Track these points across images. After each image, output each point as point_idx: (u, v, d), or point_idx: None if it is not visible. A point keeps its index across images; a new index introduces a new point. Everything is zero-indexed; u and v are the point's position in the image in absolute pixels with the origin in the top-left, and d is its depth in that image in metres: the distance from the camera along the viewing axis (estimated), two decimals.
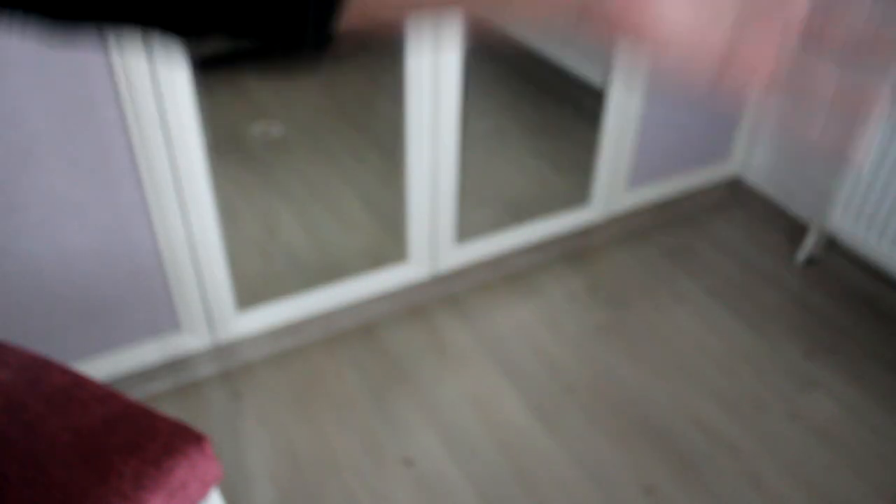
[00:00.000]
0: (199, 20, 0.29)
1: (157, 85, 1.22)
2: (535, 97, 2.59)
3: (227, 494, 1.37)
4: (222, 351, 1.61)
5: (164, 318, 1.49)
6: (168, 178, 1.32)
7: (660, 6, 0.26)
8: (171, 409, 1.54)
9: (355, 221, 1.96)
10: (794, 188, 2.09)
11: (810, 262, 1.97)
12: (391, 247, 1.81)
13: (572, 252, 2.00)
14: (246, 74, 2.60)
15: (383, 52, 2.81)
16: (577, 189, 1.96)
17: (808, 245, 1.95)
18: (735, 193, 2.22)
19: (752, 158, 2.18)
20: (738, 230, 2.10)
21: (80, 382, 0.95)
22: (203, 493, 0.91)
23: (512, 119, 2.46)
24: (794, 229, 2.08)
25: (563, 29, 0.27)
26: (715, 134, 2.07)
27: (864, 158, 0.30)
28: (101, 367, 1.47)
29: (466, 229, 1.78)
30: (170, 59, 1.20)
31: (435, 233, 1.71)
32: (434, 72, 1.48)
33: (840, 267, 1.96)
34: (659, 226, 2.10)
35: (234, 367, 1.64)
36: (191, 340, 1.54)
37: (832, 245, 1.99)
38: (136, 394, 1.56)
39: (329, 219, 1.97)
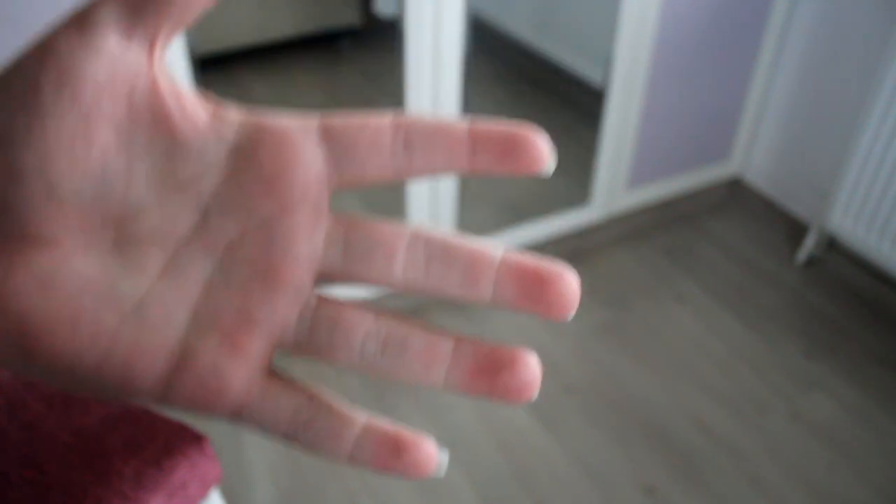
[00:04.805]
0: None
1: None
2: (535, 97, 2.59)
3: (227, 494, 1.37)
4: None
5: None
6: None
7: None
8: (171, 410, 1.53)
9: None
10: (794, 188, 2.09)
11: (810, 262, 1.97)
12: None
13: (572, 252, 2.00)
14: (246, 74, 2.60)
15: (383, 52, 2.81)
16: (577, 189, 1.96)
17: (808, 245, 1.95)
18: (735, 193, 2.22)
19: (752, 158, 2.18)
20: (738, 230, 2.10)
21: None
22: (203, 493, 0.91)
23: (512, 119, 2.45)
24: (794, 229, 2.08)
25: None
26: (715, 134, 2.07)
27: None
28: None
29: (466, 229, 1.78)
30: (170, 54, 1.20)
31: None
32: (434, 72, 1.48)
33: (840, 267, 1.96)
34: (659, 226, 2.10)
35: None
36: None
37: (832, 245, 1.99)
38: None
39: None
